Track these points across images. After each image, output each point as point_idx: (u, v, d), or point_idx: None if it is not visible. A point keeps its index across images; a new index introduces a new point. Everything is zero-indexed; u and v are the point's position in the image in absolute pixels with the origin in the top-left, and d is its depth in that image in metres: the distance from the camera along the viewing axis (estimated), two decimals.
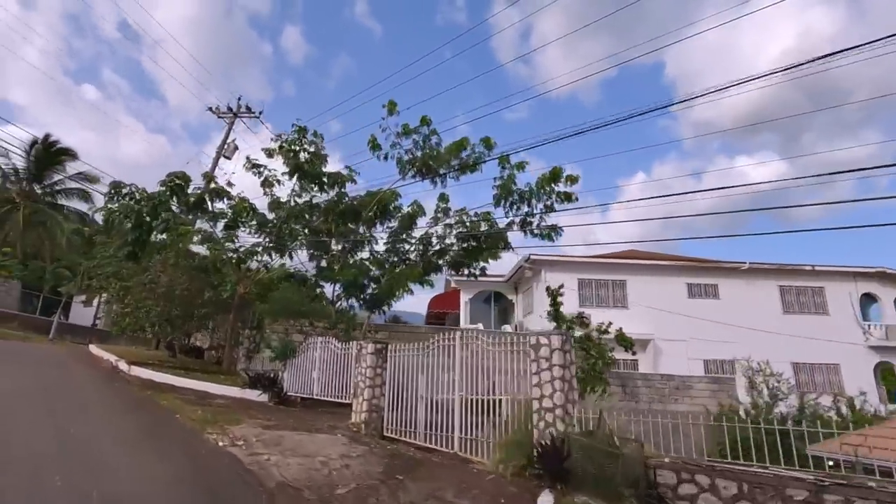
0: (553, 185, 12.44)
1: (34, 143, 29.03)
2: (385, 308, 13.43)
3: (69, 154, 30.18)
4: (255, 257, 13.51)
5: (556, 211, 12.87)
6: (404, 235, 13.78)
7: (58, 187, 30.86)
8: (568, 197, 12.63)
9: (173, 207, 11.55)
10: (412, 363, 9.37)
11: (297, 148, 12.27)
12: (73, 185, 30.99)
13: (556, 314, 12.27)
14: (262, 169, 12.72)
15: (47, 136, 29.35)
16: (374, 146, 11.94)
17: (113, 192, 11.37)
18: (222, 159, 21.16)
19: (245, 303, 14.00)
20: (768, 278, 20.34)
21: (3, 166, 29.03)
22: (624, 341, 11.83)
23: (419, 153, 11.72)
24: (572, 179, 12.56)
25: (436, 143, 11.72)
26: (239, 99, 23.43)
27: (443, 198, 13.31)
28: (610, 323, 12.64)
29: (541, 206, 12.75)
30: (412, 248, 13.77)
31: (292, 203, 13.75)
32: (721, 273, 20.31)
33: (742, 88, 8.54)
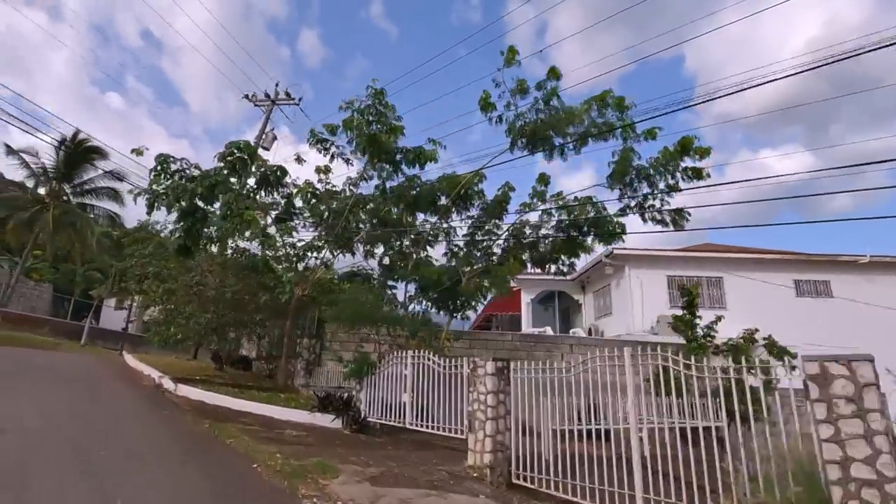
0: (681, 158, 10.05)
1: (63, 141, 27.85)
2: (469, 313, 11.22)
3: (98, 152, 28.85)
4: (313, 253, 11.48)
5: (680, 191, 10.47)
6: (489, 225, 11.55)
7: (87, 187, 29.69)
8: (698, 173, 10.22)
9: (233, 187, 9.46)
10: (539, 385, 7.22)
11: (372, 118, 10.09)
12: (103, 184, 29.81)
13: (690, 321, 9.88)
14: (328, 144, 10.55)
15: (76, 134, 28.07)
16: (486, 105, 9.67)
17: (160, 168, 9.30)
18: (260, 150, 19.32)
19: (302, 306, 12.00)
20: (891, 273, 17.47)
21: (33, 165, 27.95)
22: (783, 353, 9.39)
23: (537, 116, 9.37)
24: (702, 152, 10.15)
25: (556, 105, 9.38)
26: (277, 85, 21.53)
27: (542, 179, 10.97)
28: (756, 329, 10.21)
29: (662, 185, 10.36)
30: (498, 241, 11.52)
31: (349, 190, 11.63)
32: (835, 267, 17.51)
33: (766, 79, 7.53)
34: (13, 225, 25.60)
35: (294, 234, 11.23)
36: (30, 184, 28.71)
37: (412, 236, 11.68)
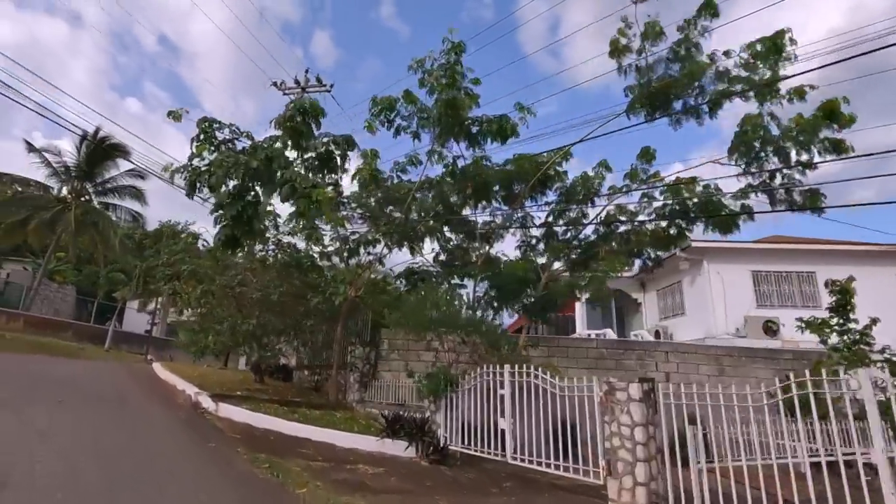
0: (822, 127, 8.15)
1: (84, 137, 26.90)
2: (550, 316, 9.50)
3: (121, 150, 27.79)
4: (367, 248, 9.88)
5: (814, 168, 8.58)
6: (574, 212, 9.78)
7: (109, 185, 28.75)
8: (838, 145, 8.32)
9: (295, 161, 7.67)
10: (691, 412, 5.52)
11: (448, 80, 8.27)
12: (125, 182, 28.85)
13: (842, 323, 7.98)
14: (392, 116, 8.77)
15: (97, 130, 27.03)
16: (618, 50, 7.86)
17: (203, 136, 7.54)
18: None
19: (353, 309, 10.42)
20: None
21: (55, 164, 27.07)
22: None
23: (668, 69, 7.56)
24: (846, 121, 8.24)
25: (693, 55, 7.49)
26: (307, 72, 20.03)
27: (645, 154, 9.11)
28: None
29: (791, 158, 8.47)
30: (583, 231, 9.75)
31: (396, 176, 9.90)
32: None
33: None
34: (35, 225, 24.66)
35: (347, 225, 9.66)
36: (51, 183, 27.89)
37: (480, 227, 9.96)
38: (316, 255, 10.28)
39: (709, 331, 14.97)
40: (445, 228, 10.89)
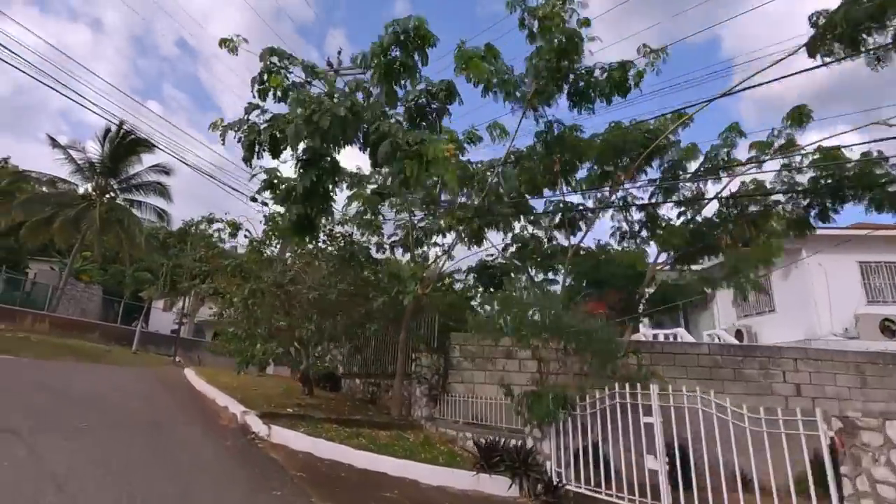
0: None
1: (107, 131, 26.02)
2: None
3: (145, 144, 26.78)
4: (434, 238, 8.32)
5: None
6: (690, 189, 8.04)
7: (134, 181, 27.86)
8: None
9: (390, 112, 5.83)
10: None
11: (559, 19, 6.53)
12: (150, 178, 27.93)
13: None
14: (483, 73, 6.90)
15: (122, 124, 26.07)
16: None
17: (266, 76, 5.17)
18: None
19: (417, 311, 8.87)
20: None
21: (79, 160, 26.27)
22: None
23: None
24: None
25: None
26: (339, 53, 18.69)
27: (797, 115, 7.18)
28: None
29: None
30: (700, 212, 8.00)
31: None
32: None
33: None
34: (60, 223, 23.84)
35: (413, 211, 8.10)
36: (75, 179, 27.14)
37: (574, 211, 8.28)
38: (373, 247, 8.79)
39: (810, 331, 13.02)
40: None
